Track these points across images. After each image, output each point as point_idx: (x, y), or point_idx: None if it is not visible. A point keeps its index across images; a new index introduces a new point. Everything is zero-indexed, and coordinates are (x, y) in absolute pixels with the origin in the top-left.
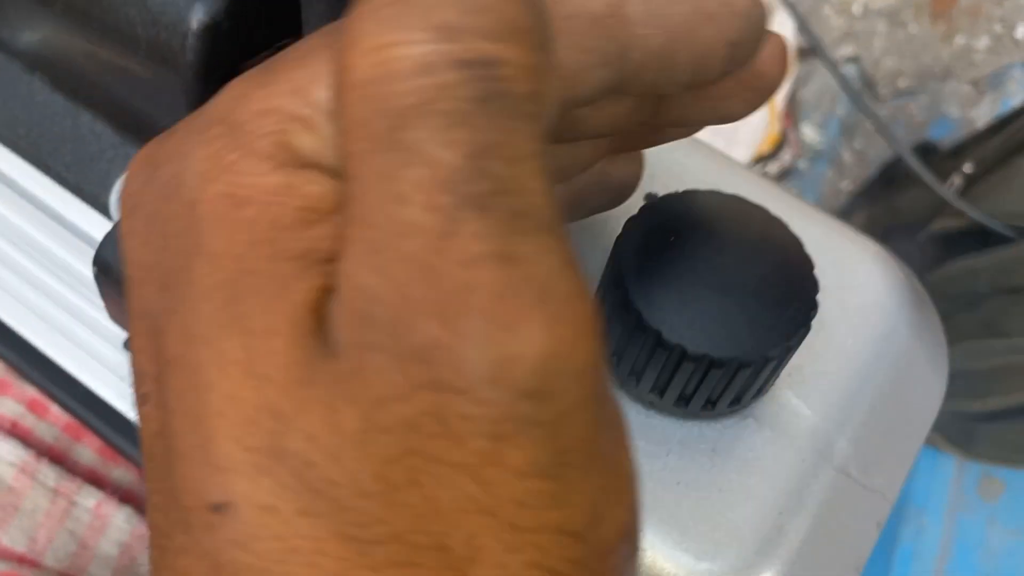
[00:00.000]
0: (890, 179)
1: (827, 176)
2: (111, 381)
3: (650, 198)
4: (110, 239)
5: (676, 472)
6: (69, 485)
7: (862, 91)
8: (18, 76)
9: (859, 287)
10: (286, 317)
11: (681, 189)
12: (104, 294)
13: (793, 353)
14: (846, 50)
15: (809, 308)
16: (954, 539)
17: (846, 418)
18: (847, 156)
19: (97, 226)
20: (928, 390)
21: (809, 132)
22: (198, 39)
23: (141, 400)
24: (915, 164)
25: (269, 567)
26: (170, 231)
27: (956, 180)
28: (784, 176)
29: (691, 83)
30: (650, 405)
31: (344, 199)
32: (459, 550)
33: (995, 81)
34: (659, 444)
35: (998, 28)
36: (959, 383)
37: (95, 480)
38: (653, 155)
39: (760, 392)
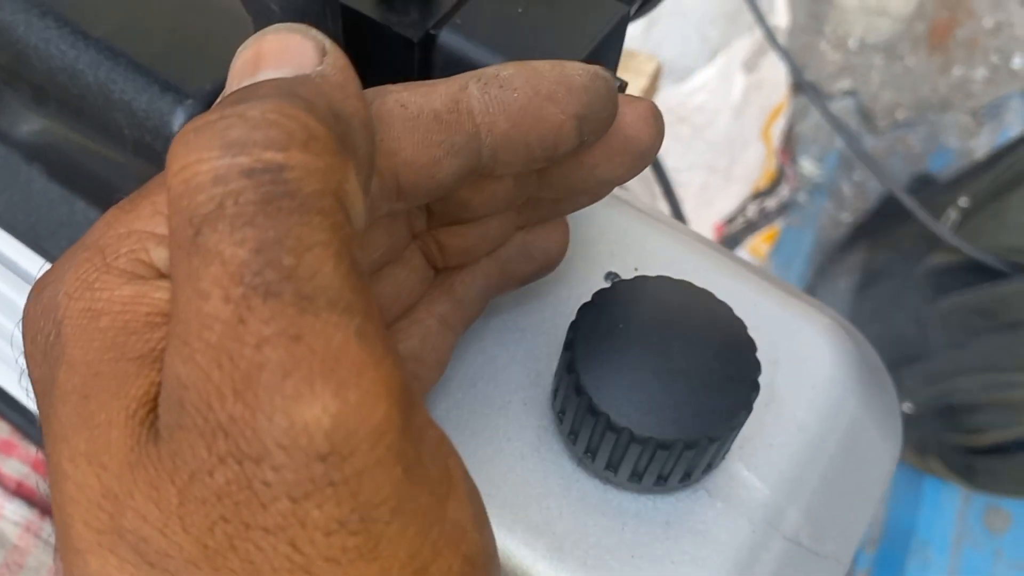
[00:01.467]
0: (888, 212)
1: (826, 209)
2: None
3: (611, 276)
4: None
5: (631, 545)
6: None
7: (860, 124)
8: (17, 166)
9: (810, 360)
10: (123, 410)
11: (639, 266)
12: None
13: (737, 432)
14: (843, 84)
15: (750, 390)
16: (960, 572)
17: (797, 488)
18: (846, 188)
19: None
20: (879, 457)
21: (808, 165)
22: None
23: None
24: (907, 201)
25: None
26: (46, 347)
27: (952, 214)
28: (783, 210)
29: (549, 158)
30: (606, 480)
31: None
32: None
33: (993, 111)
34: (615, 518)
35: (995, 59)
36: (959, 417)
37: None
38: (614, 234)
39: (710, 467)
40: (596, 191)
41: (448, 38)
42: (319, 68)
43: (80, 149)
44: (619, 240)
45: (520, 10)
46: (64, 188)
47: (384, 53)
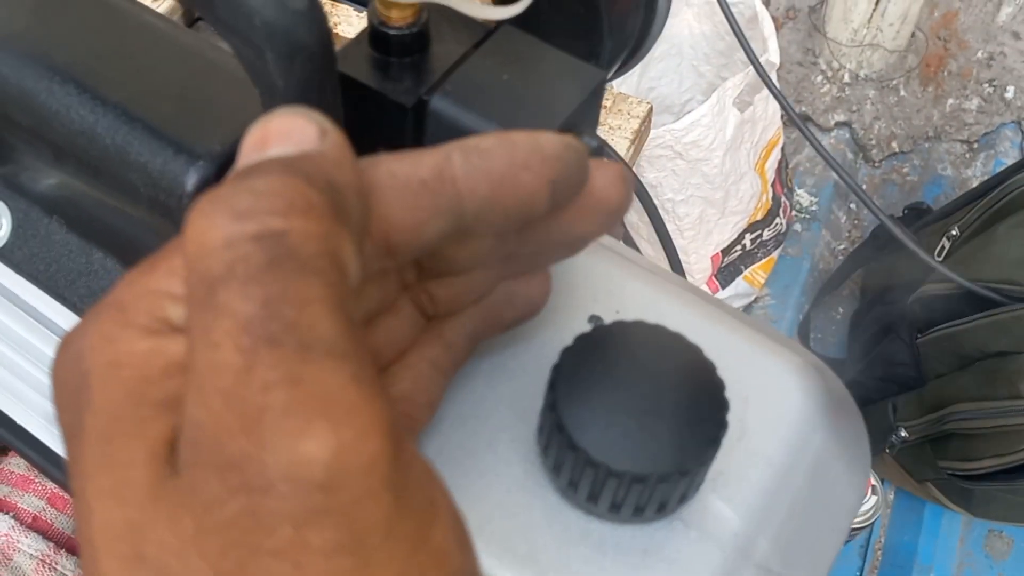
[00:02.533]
0: (882, 242)
1: (822, 238)
2: None
3: (594, 319)
4: None
5: (612, 573)
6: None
7: (855, 155)
8: (38, 218)
9: (779, 397)
10: (143, 451)
11: (620, 310)
12: None
13: (707, 466)
14: (838, 116)
15: (719, 427)
16: None
17: (767, 518)
18: (842, 218)
19: None
20: (846, 488)
21: (804, 196)
22: (192, 200)
23: None
24: (897, 232)
25: None
26: (73, 397)
27: (945, 243)
28: (780, 240)
29: (527, 219)
30: (588, 512)
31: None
32: None
33: (987, 141)
34: (596, 547)
35: (988, 89)
36: (954, 445)
37: None
38: (598, 280)
39: (684, 498)
40: (571, 246)
41: (439, 103)
42: (319, 146)
43: (97, 203)
44: (602, 285)
45: (505, 77)
46: (82, 239)
47: (380, 116)
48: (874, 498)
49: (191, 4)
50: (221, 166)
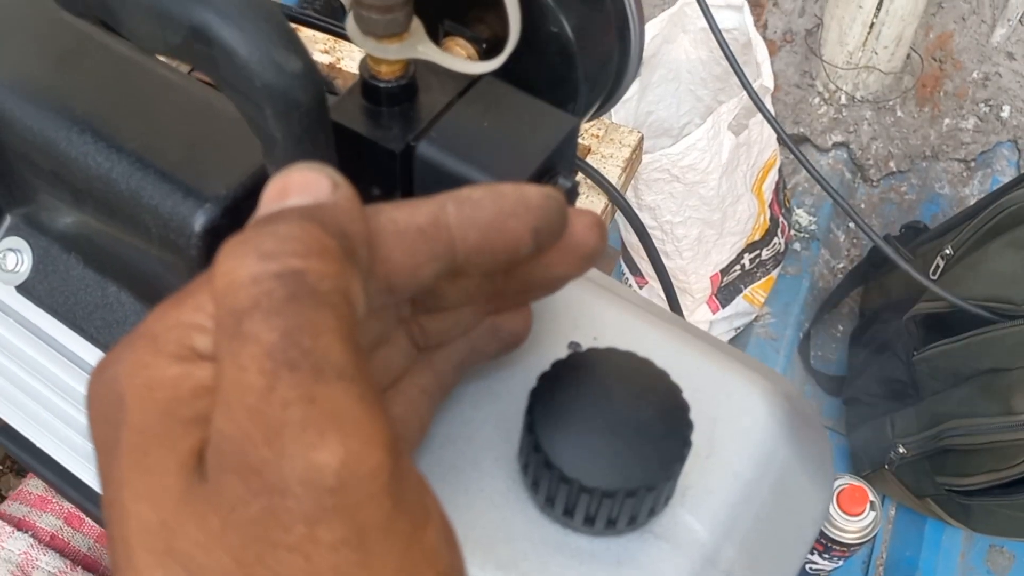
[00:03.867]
0: (879, 261)
1: (821, 257)
2: None
3: (573, 346)
4: None
5: None
6: None
7: (853, 174)
8: (58, 255)
9: (745, 416)
10: (175, 461)
11: (599, 336)
12: None
13: (673, 482)
14: (836, 136)
15: (683, 445)
16: None
17: (732, 529)
18: (841, 237)
19: None
20: (809, 501)
21: (803, 216)
22: (200, 239)
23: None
24: (891, 252)
25: None
26: (109, 414)
27: (939, 262)
28: (779, 259)
29: (512, 262)
30: (565, 525)
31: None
32: None
33: (984, 160)
34: (573, 558)
35: (984, 109)
36: (950, 460)
37: None
38: (577, 308)
39: (653, 512)
40: (552, 285)
41: (425, 149)
42: (332, 198)
43: (112, 241)
44: (581, 313)
45: (486, 124)
46: (98, 274)
47: (371, 161)
48: (872, 514)
49: (198, 66)
50: (226, 208)
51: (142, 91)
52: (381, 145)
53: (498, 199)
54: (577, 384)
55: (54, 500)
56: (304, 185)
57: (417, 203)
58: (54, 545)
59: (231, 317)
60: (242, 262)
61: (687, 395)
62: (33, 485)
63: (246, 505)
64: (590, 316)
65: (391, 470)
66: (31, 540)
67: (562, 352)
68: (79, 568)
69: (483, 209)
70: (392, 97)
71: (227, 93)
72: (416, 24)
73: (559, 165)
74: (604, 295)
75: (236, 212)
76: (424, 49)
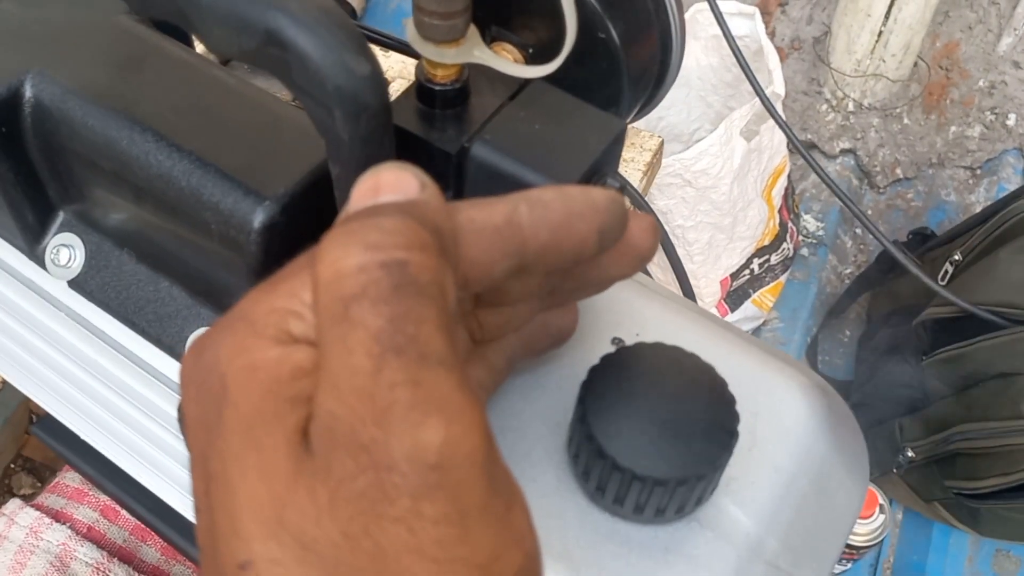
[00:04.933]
0: (887, 266)
1: (829, 262)
2: (174, 491)
3: (616, 341)
4: None
5: (636, 569)
6: None
7: (860, 181)
8: (110, 251)
9: (786, 412)
10: (283, 438)
11: (640, 332)
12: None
13: (720, 472)
14: (843, 143)
15: (731, 436)
16: None
17: (775, 520)
18: (848, 243)
19: (171, 368)
20: (847, 494)
21: (810, 221)
22: (259, 235)
23: (196, 512)
24: (901, 257)
25: None
26: (209, 394)
27: (948, 268)
28: (787, 264)
29: (576, 261)
30: (614, 513)
31: (319, 358)
32: None
33: (990, 167)
34: (622, 545)
35: (990, 116)
36: (959, 464)
37: None
38: (620, 306)
39: (700, 501)
40: (605, 284)
41: (479, 150)
42: (422, 196)
43: (165, 237)
44: (624, 311)
45: (537, 126)
46: (151, 270)
47: (426, 161)
48: (882, 516)
49: (271, 70)
50: (284, 206)
51: (201, 94)
52: (437, 146)
53: (567, 201)
54: (627, 376)
55: (91, 493)
56: (396, 183)
57: (492, 202)
58: (91, 537)
59: (338, 303)
60: (348, 251)
61: (732, 390)
62: (70, 478)
63: (354, 479)
64: (632, 313)
65: (486, 453)
66: (69, 532)
67: (606, 348)
68: (115, 559)
69: (553, 210)
70: (447, 100)
71: (297, 95)
72: (472, 30)
73: (607, 167)
74: (645, 292)
75: (293, 210)
76: (480, 54)
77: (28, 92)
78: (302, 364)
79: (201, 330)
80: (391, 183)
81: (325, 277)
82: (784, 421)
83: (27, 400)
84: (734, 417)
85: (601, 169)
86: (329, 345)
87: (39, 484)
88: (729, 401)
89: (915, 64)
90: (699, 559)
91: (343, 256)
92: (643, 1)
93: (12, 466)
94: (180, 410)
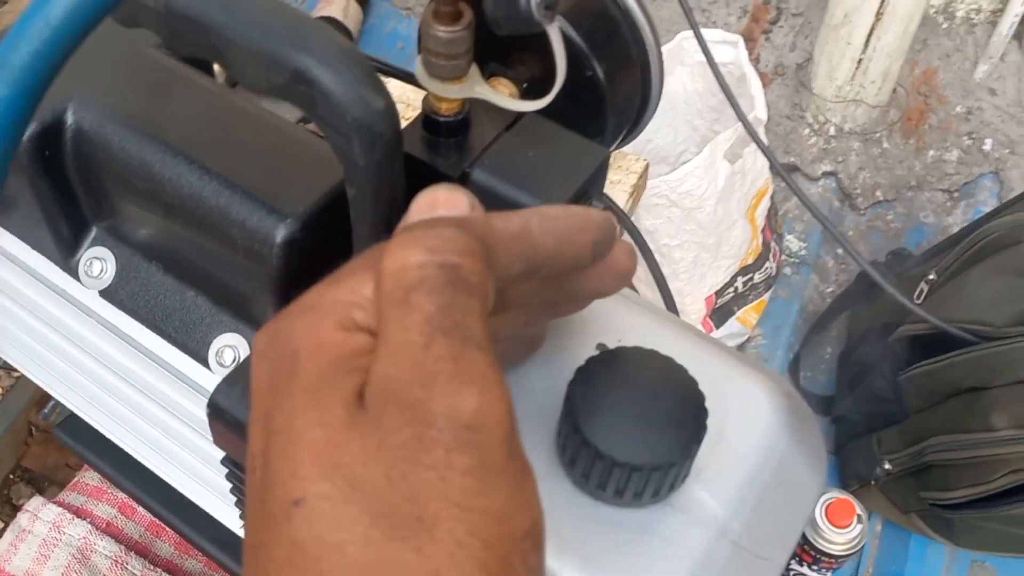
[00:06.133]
0: (866, 285)
1: (811, 281)
2: (193, 484)
3: (600, 347)
4: (219, 391)
5: (617, 546)
6: (151, 574)
7: (841, 203)
8: (139, 263)
9: (751, 409)
10: (342, 397)
11: (622, 339)
12: (212, 426)
13: (691, 460)
14: (825, 166)
15: (700, 428)
16: None
17: (739, 506)
18: (829, 262)
19: (195, 371)
20: (805, 484)
21: (793, 241)
22: (281, 249)
23: (250, 471)
24: (877, 276)
25: (323, 535)
26: (281, 362)
27: (924, 287)
28: (770, 283)
29: (574, 268)
30: (597, 497)
31: (375, 342)
32: (427, 520)
33: (967, 190)
34: (604, 525)
35: (967, 141)
36: (934, 476)
37: (172, 570)
38: (603, 314)
39: (673, 487)
40: (589, 298)
41: (479, 175)
42: (472, 214)
43: (191, 250)
44: (608, 320)
45: (531, 154)
46: (177, 280)
47: (430, 185)
48: (859, 526)
49: (297, 103)
50: (304, 223)
51: (227, 121)
52: (441, 171)
53: (570, 216)
54: (609, 376)
55: (108, 491)
56: (450, 201)
57: (509, 215)
58: (110, 531)
59: (400, 290)
60: (412, 251)
61: (702, 388)
62: (89, 477)
63: (399, 431)
64: (615, 321)
65: (510, 425)
66: (89, 526)
67: (591, 352)
68: (132, 553)
69: (559, 223)
70: (450, 130)
71: (320, 125)
72: (474, 68)
73: (592, 189)
74: (627, 304)
75: (311, 227)
76: (480, 90)
77: (70, 119)
78: (361, 345)
79: (225, 335)
80: (446, 200)
81: (391, 269)
82: (750, 419)
83: (27, 410)
84: (703, 412)
85: (587, 192)
86: (389, 323)
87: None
88: (699, 398)
89: (894, 90)
90: (672, 538)
91: (408, 255)
92: (625, 42)
93: (11, 476)
94: (212, 405)
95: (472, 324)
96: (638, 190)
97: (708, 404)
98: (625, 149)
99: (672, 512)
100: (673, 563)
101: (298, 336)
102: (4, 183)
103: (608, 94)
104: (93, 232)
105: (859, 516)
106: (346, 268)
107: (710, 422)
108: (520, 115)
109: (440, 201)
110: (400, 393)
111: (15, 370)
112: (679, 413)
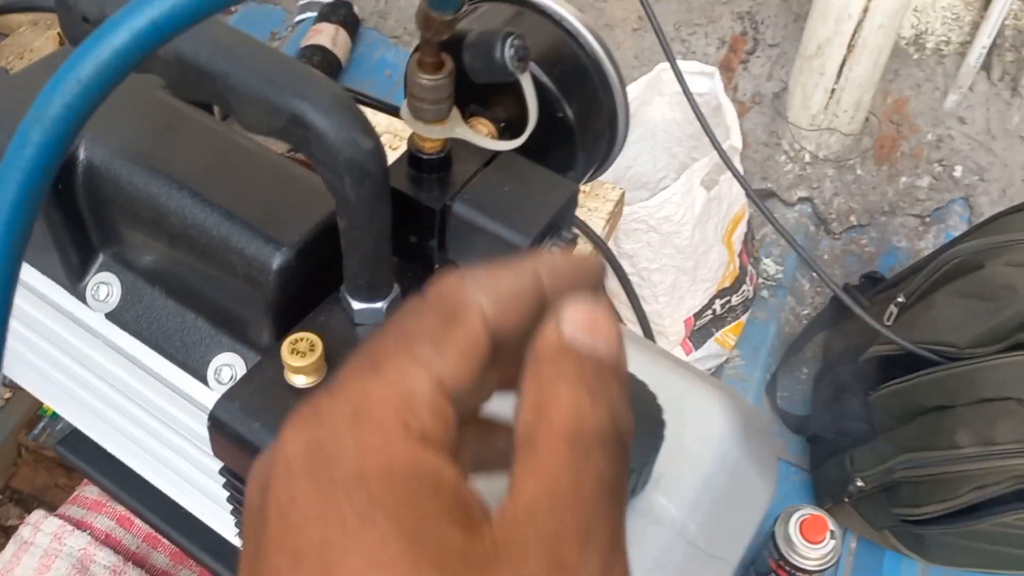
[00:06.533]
0: (840, 308)
1: (788, 304)
2: (192, 496)
3: None
4: (219, 406)
5: None
6: None
7: (816, 227)
8: (143, 288)
9: (707, 421)
10: (448, 524)
11: None
12: (212, 438)
13: (651, 466)
14: (800, 192)
15: (658, 438)
16: None
17: (695, 509)
18: (806, 285)
19: (195, 388)
20: (757, 490)
21: (770, 265)
22: (277, 275)
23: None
24: (848, 300)
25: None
26: (342, 487)
27: (893, 309)
28: (747, 305)
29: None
30: None
31: (518, 465)
32: None
33: (938, 215)
34: None
35: (938, 168)
36: (903, 492)
37: None
38: None
39: (635, 492)
40: None
41: (459, 208)
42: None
43: (191, 275)
44: None
45: (506, 188)
46: (178, 304)
47: (415, 216)
48: (832, 542)
49: (294, 144)
50: (298, 251)
51: (227, 156)
52: (424, 204)
53: (572, 261)
54: None
55: (107, 504)
56: (609, 335)
57: (523, 263)
58: (108, 543)
59: (580, 439)
60: (597, 406)
61: (661, 402)
62: (88, 491)
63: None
64: None
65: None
66: (89, 538)
67: None
68: (130, 564)
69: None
70: (432, 166)
71: (314, 163)
72: (455, 111)
73: (563, 221)
74: None
75: (305, 255)
76: (461, 131)
77: (82, 155)
78: (434, 463)
79: (224, 355)
80: (605, 334)
81: (570, 414)
82: (706, 430)
83: (16, 432)
84: (661, 423)
85: (558, 223)
86: (561, 467)
87: (26, 515)
88: (658, 410)
89: (867, 119)
90: (633, 540)
91: (589, 405)
92: (594, 86)
93: (0, 496)
94: (212, 419)
95: (625, 490)
96: (614, 217)
97: (666, 416)
98: (603, 178)
99: (632, 515)
100: (633, 562)
101: (357, 455)
102: (36, 215)
103: (578, 133)
104: (100, 259)
105: (832, 532)
106: (379, 349)
107: (668, 433)
108: (497, 153)
109: (600, 331)
110: (552, 543)
111: (4, 392)
112: (639, 424)
